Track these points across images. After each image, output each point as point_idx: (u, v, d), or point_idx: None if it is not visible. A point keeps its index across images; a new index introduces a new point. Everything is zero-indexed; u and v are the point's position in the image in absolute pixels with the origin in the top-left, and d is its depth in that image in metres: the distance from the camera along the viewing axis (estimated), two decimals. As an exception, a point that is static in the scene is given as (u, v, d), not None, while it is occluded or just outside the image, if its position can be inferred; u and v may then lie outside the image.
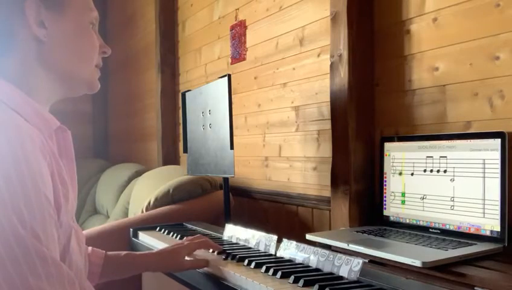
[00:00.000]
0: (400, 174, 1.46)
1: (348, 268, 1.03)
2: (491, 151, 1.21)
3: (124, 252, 1.18)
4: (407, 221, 1.44)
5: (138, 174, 2.93)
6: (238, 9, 2.37)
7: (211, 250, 1.36)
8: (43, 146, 0.82)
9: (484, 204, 1.22)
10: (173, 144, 3.13)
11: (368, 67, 1.63)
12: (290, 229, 1.98)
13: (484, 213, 1.22)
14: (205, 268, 1.24)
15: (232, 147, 1.67)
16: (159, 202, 2.11)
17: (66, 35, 0.93)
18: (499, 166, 1.19)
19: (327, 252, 1.11)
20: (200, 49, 2.78)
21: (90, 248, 1.15)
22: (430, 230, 1.36)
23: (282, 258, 1.23)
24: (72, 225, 0.92)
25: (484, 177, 1.22)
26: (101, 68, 1.02)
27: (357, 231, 1.44)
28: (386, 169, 1.51)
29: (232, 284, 1.12)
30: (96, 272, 1.12)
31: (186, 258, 1.24)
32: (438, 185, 1.34)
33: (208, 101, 1.84)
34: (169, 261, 1.20)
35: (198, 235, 1.33)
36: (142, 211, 2.14)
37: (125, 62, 3.95)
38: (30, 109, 0.87)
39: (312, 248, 1.17)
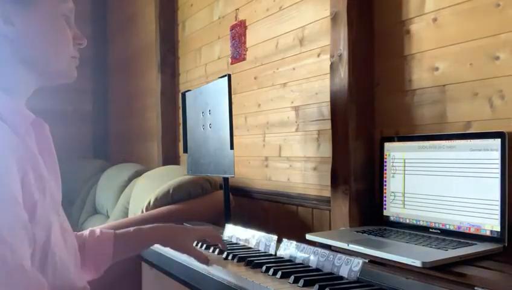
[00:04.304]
0: (400, 174, 1.46)
1: (348, 268, 1.03)
2: (491, 151, 1.21)
3: (132, 228, 1.18)
4: (407, 221, 1.44)
5: (138, 174, 2.93)
6: (238, 9, 2.37)
7: (211, 250, 1.36)
8: (12, 141, 0.81)
9: (484, 204, 1.22)
10: (173, 144, 3.13)
11: (368, 67, 1.62)
12: (290, 229, 1.98)
13: (484, 213, 1.22)
14: (205, 268, 1.24)
15: (232, 147, 1.67)
16: (159, 202, 2.11)
17: (36, 30, 0.92)
18: (499, 166, 1.19)
19: (327, 252, 1.11)
20: (200, 49, 2.78)
21: (98, 230, 1.15)
22: (430, 230, 1.36)
23: (282, 258, 1.23)
24: (54, 219, 0.90)
25: (484, 177, 1.22)
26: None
27: (357, 231, 1.44)
28: (386, 169, 1.51)
29: (232, 284, 1.12)
30: (109, 252, 1.12)
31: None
32: (438, 185, 1.34)
33: (208, 101, 1.84)
34: (177, 241, 1.19)
35: (210, 228, 1.30)
36: (142, 211, 2.14)
37: (125, 62, 3.95)
38: (4, 105, 0.87)
39: (312, 248, 1.17)
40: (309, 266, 1.14)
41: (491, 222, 1.21)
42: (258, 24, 2.21)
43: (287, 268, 1.12)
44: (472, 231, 1.25)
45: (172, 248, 1.23)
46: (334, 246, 1.33)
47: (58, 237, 0.91)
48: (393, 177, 1.48)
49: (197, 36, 2.82)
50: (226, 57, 2.48)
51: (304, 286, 1.00)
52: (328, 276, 1.06)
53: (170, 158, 3.11)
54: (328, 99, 1.70)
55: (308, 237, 1.43)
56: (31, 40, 0.91)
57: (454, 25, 1.38)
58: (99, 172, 3.52)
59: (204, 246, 1.42)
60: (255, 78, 2.24)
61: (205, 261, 1.22)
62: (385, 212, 1.51)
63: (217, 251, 1.35)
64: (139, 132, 3.69)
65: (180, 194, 2.14)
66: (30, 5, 0.91)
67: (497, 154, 1.20)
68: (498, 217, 1.19)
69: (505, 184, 1.18)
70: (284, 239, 1.27)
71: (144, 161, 3.42)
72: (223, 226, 1.58)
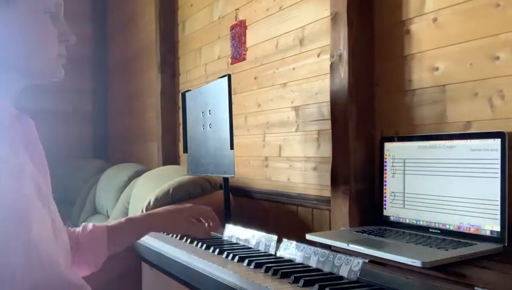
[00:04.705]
0: (400, 174, 1.46)
1: (348, 268, 1.04)
2: (491, 151, 1.21)
3: (124, 219, 1.16)
4: (407, 221, 1.44)
5: (138, 174, 2.93)
6: (238, 9, 2.37)
7: (211, 249, 1.36)
8: None
9: (484, 204, 1.22)
10: (173, 144, 3.13)
11: (368, 67, 1.62)
12: (290, 229, 1.98)
13: (484, 213, 1.22)
14: (205, 268, 1.24)
15: (232, 147, 1.67)
16: (159, 202, 2.11)
17: (17, 29, 0.89)
18: (499, 166, 1.19)
19: (327, 252, 1.11)
20: (200, 49, 2.78)
21: (91, 225, 1.14)
22: (430, 230, 1.36)
23: (282, 258, 1.23)
24: (43, 213, 0.89)
25: (484, 177, 1.22)
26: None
27: (357, 231, 1.44)
28: (386, 169, 1.51)
29: (232, 284, 1.12)
30: (104, 245, 1.11)
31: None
32: (438, 185, 1.34)
33: (208, 101, 1.84)
34: (171, 226, 1.17)
35: (204, 207, 1.23)
36: (142, 211, 2.13)
37: (125, 62, 3.95)
38: None
39: (312, 248, 1.17)
40: (309, 266, 1.14)
41: (491, 222, 1.21)
42: (258, 24, 2.21)
43: (287, 268, 1.12)
44: (472, 231, 1.25)
45: (168, 232, 1.22)
46: (334, 246, 1.33)
47: (48, 233, 0.89)
48: (393, 177, 1.48)
49: (197, 36, 2.82)
50: (226, 57, 2.48)
51: (303, 286, 1.00)
52: (328, 276, 1.06)
53: (170, 158, 3.11)
54: (328, 99, 1.70)
55: (308, 237, 1.43)
56: (11, 40, 0.88)
57: (454, 25, 1.38)
58: (99, 172, 3.52)
59: (205, 246, 1.42)
60: (255, 78, 2.24)
61: (207, 232, 1.17)
62: (385, 212, 1.51)
63: (217, 251, 1.36)
64: (139, 132, 3.69)
65: (180, 194, 2.14)
66: (10, 4, 0.87)
67: (497, 154, 1.20)
68: (498, 217, 1.19)
69: (505, 184, 1.18)
70: (284, 239, 1.27)
71: (144, 161, 3.42)
72: (223, 226, 1.58)
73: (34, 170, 0.89)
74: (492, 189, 1.20)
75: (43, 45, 0.92)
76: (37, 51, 0.92)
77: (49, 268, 0.85)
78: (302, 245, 1.20)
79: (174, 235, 1.63)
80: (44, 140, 1.00)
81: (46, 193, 0.93)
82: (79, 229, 1.14)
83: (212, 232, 1.27)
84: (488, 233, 1.21)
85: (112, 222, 1.17)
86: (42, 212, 0.89)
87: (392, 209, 1.49)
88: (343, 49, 1.60)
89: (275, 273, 1.09)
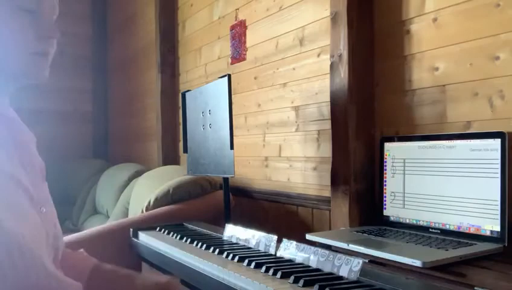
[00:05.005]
0: (400, 174, 1.46)
1: (348, 268, 1.03)
2: (491, 151, 1.21)
3: (109, 268, 1.10)
4: (407, 221, 1.44)
5: (138, 174, 2.93)
6: (238, 9, 2.37)
7: (211, 249, 1.35)
8: None
9: (484, 204, 1.22)
10: (173, 144, 3.13)
11: (368, 67, 1.63)
12: (290, 229, 1.98)
13: (484, 213, 1.22)
14: (205, 268, 1.24)
15: (232, 147, 1.67)
16: (159, 202, 2.11)
17: None
18: (499, 166, 1.19)
19: (327, 252, 1.11)
20: (200, 49, 2.78)
21: (85, 254, 1.11)
22: (430, 230, 1.36)
23: (282, 258, 1.23)
24: (32, 216, 0.87)
25: (484, 177, 1.22)
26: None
27: (357, 231, 1.44)
28: (386, 169, 1.51)
29: (232, 284, 1.12)
30: (82, 279, 1.06)
31: None
32: (438, 185, 1.34)
33: (208, 101, 1.84)
34: None
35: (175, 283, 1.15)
36: (142, 211, 2.14)
37: (125, 62, 3.95)
38: None
39: (312, 248, 1.17)
40: (309, 266, 1.14)
41: (491, 222, 1.21)
42: (258, 24, 2.21)
43: (287, 268, 1.12)
44: (472, 231, 1.25)
45: None
46: (334, 246, 1.33)
47: (36, 235, 0.86)
48: (393, 177, 1.48)
49: (197, 36, 2.82)
50: (226, 57, 2.48)
51: (304, 286, 1.00)
52: (328, 276, 1.05)
53: (170, 158, 3.11)
54: (328, 99, 1.70)
55: (308, 237, 1.43)
56: None
57: (454, 25, 1.38)
58: (99, 172, 3.52)
59: (205, 246, 1.42)
60: (255, 78, 2.24)
61: None
62: (385, 212, 1.51)
63: (217, 251, 1.35)
64: (139, 132, 3.69)
65: (180, 194, 2.14)
66: None
67: (497, 154, 1.20)
68: (498, 217, 1.19)
69: (505, 184, 1.18)
70: (284, 239, 1.27)
71: (144, 161, 3.42)
72: (223, 226, 1.58)
73: (21, 170, 0.88)
74: (492, 189, 1.20)
75: (16, 43, 0.88)
76: (9, 51, 0.88)
77: (33, 268, 0.83)
78: (302, 245, 1.20)
79: (174, 236, 1.63)
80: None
81: (35, 194, 0.90)
82: (68, 254, 1.09)
83: None
84: (488, 233, 1.22)
85: (99, 263, 1.11)
86: (30, 214, 0.87)
87: (392, 209, 1.49)
88: (343, 49, 1.60)
89: (275, 273, 1.09)
